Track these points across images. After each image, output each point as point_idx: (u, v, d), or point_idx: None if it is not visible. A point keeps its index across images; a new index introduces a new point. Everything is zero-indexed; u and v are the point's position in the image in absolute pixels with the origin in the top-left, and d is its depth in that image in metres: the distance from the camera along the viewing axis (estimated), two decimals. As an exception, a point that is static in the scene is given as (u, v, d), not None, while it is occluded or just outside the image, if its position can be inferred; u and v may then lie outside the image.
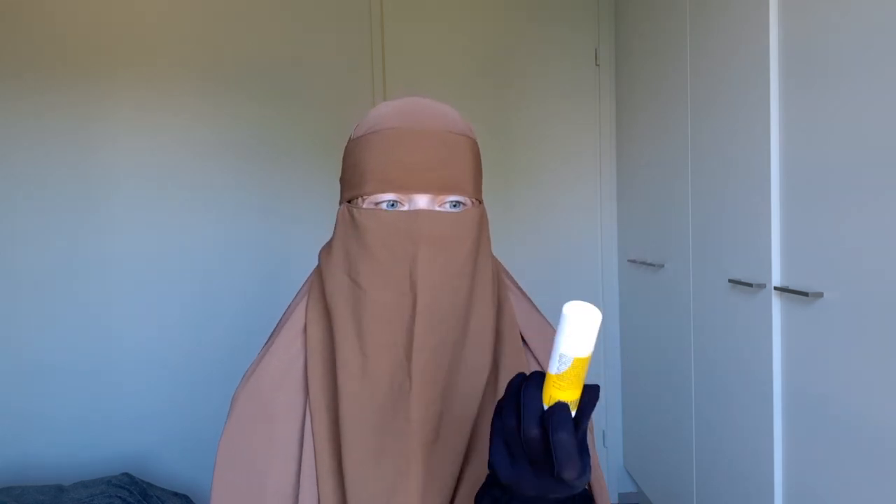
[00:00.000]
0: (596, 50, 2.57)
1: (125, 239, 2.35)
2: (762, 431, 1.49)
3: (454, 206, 0.67)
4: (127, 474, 1.96)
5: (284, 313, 0.75)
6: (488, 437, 0.64)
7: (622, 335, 2.59)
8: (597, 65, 2.58)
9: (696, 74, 1.79)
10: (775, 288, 1.41)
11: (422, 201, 0.65)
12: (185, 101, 2.36)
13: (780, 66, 1.39)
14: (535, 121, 2.56)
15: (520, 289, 0.79)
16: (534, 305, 0.78)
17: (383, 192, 0.65)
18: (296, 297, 0.76)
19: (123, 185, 2.34)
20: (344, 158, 0.72)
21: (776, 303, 1.43)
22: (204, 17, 2.36)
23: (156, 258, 2.36)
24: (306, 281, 0.76)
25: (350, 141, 0.71)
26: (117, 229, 2.34)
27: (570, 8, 2.55)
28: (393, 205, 0.66)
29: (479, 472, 0.65)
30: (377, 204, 0.66)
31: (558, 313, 0.47)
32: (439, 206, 0.66)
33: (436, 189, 0.65)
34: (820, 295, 1.27)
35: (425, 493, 0.62)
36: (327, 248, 0.72)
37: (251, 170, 2.41)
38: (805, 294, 1.28)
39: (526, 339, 0.74)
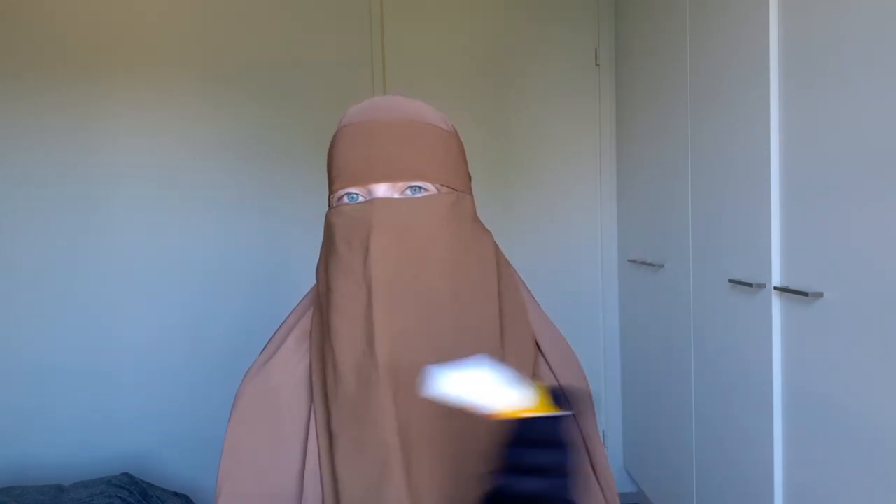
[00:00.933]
0: (596, 50, 2.57)
1: (125, 239, 2.35)
2: (762, 431, 1.49)
3: (415, 191, 0.66)
4: (127, 474, 1.96)
5: (287, 317, 0.76)
6: (466, 420, 0.64)
7: (622, 335, 2.59)
8: (597, 65, 2.58)
9: (696, 74, 1.79)
10: (775, 288, 1.41)
11: (380, 191, 0.65)
12: (186, 101, 2.36)
13: (780, 66, 1.39)
14: (535, 121, 2.56)
15: (531, 294, 0.78)
16: (537, 303, 0.79)
17: (344, 187, 0.66)
18: (300, 303, 0.76)
19: (123, 185, 2.34)
20: None
21: (776, 303, 1.43)
22: (204, 17, 2.36)
23: (156, 258, 2.36)
24: (313, 288, 0.77)
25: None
26: (117, 229, 2.34)
27: (570, 8, 2.55)
28: (354, 198, 0.66)
29: (460, 454, 0.64)
30: (340, 199, 0.67)
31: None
32: (399, 193, 0.66)
33: (393, 177, 0.65)
34: (820, 295, 1.27)
35: (410, 481, 0.62)
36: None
37: (251, 170, 2.41)
38: (805, 294, 1.28)
39: (539, 343, 0.74)
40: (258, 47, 2.39)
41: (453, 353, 0.64)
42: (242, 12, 2.38)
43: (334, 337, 0.64)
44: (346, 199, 0.66)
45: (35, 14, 2.27)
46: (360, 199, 0.66)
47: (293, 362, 0.71)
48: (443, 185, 0.68)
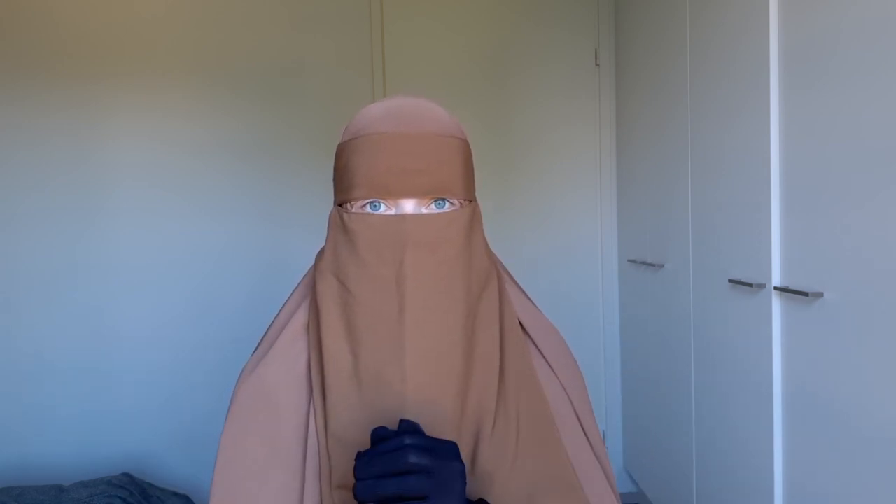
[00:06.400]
0: (596, 50, 2.57)
1: (125, 238, 2.35)
2: (762, 431, 1.49)
3: (439, 204, 0.68)
4: (127, 474, 1.96)
5: (279, 313, 0.76)
6: (489, 433, 0.66)
7: (622, 335, 2.59)
8: (597, 65, 2.58)
9: (696, 74, 1.79)
10: (775, 288, 1.41)
11: (408, 205, 0.66)
12: (186, 102, 2.37)
13: (780, 66, 1.39)
14: (535, 121, 2.56)
15: (512, 278, 0.80)
16: (525, 294, 0.80)
17: (371, 197, 0.67)
18: (291, 296, 0.76)
19: (123, 184, 2.34)
20: (335, 160, 0.73)
21: (776, 303, 1.43)
22: (205, 17, 2.36)
23: (156, 258, 2.36)
24: (301, 281, 0.76)
25: (340, 144, 0.71)
26: (117, 229, 2.34)
27: (570, 8, 2.55)
28: (378, 207, 0.67)
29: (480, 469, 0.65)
30: (363, 207, 0.68)
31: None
32: (426, 208, 0.67)
33: (423, 193, 0.66)
34: (820, 295, 1.27)
35: None
36: (321, 250, 0.73)
37: (252, 171, 2.41)
38: (805, 294, 1.28)
39: (524, 326, 0.76)
40: (258, 47, 2.39)
41: (465, 352, 0.67)
42: (243, 13, 2.38)
43: (359, 344, 0.65)
44: (368, 208, 0.67)
45: (35, 15, 2.27)
46: (383, 207, 0.67)
47: (290, 359, 0.71)
48: (465, 200, 0.70)
